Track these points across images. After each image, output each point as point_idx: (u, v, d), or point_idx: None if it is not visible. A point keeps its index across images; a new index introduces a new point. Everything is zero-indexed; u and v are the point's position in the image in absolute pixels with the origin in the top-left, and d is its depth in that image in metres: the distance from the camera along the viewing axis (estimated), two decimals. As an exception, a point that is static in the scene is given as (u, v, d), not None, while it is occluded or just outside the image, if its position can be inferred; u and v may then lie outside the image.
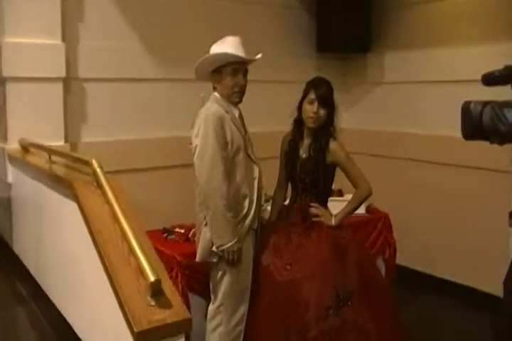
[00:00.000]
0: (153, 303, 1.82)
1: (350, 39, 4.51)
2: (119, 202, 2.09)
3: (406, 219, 4.26)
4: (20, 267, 3.34)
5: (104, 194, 2.12)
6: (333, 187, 3.70)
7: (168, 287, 1.90)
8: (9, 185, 3.50)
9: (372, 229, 3.73)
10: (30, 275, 3.17)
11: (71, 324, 2.47)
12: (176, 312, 1.83)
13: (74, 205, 2.24)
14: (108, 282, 1.91)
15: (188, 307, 2.94)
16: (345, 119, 4.97)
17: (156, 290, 1.82)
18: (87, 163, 2.29)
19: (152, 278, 1.79)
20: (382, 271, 3.78)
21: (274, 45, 4.44)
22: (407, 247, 4.12)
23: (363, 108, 4.88)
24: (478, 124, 1.31)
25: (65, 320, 2.55)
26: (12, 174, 3.45)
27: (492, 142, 1.39)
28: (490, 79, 1.34)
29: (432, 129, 4.17)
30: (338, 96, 4.83)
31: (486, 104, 1.30)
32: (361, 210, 3.69)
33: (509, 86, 1.33)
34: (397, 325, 2.79)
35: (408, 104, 4.40)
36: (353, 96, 4.92)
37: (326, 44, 4.57)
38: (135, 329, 1.72)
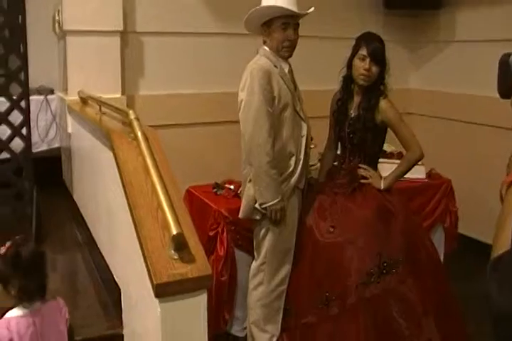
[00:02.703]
0: (175, 257, 1.80)
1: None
2: (152, 154, 2.06)
3: (471, 186, 4.01)
4: (78, 214, 3.47)
5: (138, 145, 2.11)
6: (394, 149, 3.55)
7: (193, 242, 1.87)
8: (69, 135, 3.61)
9: (433, 195, 3.52)
10: (85, 222, 3.28)
11: (112, 271, 2.54)
12: (198, 267, 1.80)
13: (112, 155, 2.25)
14: (135, 234, 1.91)
15: (234, 264, 2.96)
16: (412, 80, 4.74)
17: (178, 244, 1.80)
18: (125, 114, 2.27)
19: (175, 231, 1.77)
20: (442, 239, 3.61)
21: (338, -2, 4.21)
22: (470, 216, 3.89)
23: (431, 68, 4.59)
24: None
25: (108, 266, 2.63)
26: (71, 124, 3.55)
27: None
28: None
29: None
30: (405, 56, 4.63)
31: None
32: (421, 175, 3.51)
33: None
34: (445, 298, 2.66)
35: (482, 65, 4.00)
36: (422, 55, 4.63)
37: (394, -1, 4.28)
38: (154, 282, 1.72)
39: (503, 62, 1.13)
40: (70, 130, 3.58)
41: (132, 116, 2.20)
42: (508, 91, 1.11)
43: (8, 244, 1.79)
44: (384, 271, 2.54)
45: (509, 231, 0.86)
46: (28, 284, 1.78)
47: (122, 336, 2.34)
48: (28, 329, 1.76)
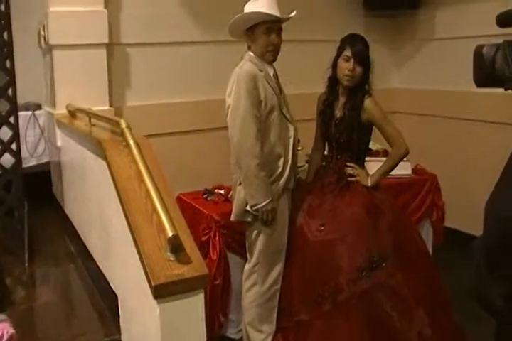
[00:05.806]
0: (172, 259, 1.85)
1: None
2: (145, 161, 2.12)
3: (456, 180, 4.10)
4: (70, 227, 3.50)
5: (130, 153, 2.16)
6: (380, 147, 3.63)
7: (188, 243, 1.92)
8: (59, 149, 3.64)
9: (419, 190, 3.59)
10: (77, 234, 3.31)
11: (108, 279, 2.58)
12: (194, 267, 1.85)
13: (104, 164, 2.30)
14: (131, 238, 1.96)
15: (227, 267, 3.00)
16: (394, 78, 4.83)
17: (175, 246, 1.85)
18: (117, 124, 2.33)
19: (170, 234, 1.82)
20: (430, 233, 3.68)
21: (319, 2, 4.31)
22: (457, 209, 3.98)
23: (413, 66, 4.70)
24: (490, 70, 1.22)
25: (103, 274, 2.66)
26: (60, 138, 3.59)
27: (507, 88, 1.29)
28: (506, 19, 1.22)
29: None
30: (387, 55, 4.73)
31: (500, 46, 1.19)
32: (407, 171, 3.58)
33: None
34: (434, 290, 2.72)
35: (461, 61, 4.08)
36: (403, 54, 4.74)
37: (373, 1, 4.41)
38: (153, 283, 1.77)
39: (477, 53, 1.21)
40: (59, 144, 3.61)
41: (124, 125, 2.25)
42: (483, 79, 1.20)
43: None
44: (374, 266, 2.59)
45: None
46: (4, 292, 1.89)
47: (121, 342, 2.38)
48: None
